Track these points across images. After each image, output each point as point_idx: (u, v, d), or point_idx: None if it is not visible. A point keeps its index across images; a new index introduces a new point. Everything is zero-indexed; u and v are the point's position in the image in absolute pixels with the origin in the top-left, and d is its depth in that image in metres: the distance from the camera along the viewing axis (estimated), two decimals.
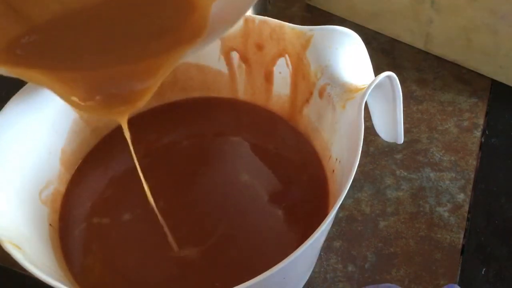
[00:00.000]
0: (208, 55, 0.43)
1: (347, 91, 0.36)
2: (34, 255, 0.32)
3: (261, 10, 0.55)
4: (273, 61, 0.42)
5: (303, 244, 0.28)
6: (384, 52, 0.53)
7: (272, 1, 0.58)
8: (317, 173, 0.40)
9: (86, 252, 0.37)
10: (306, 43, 0.39)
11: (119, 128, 0.45)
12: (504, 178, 0.44)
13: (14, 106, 0.36)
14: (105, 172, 0.42)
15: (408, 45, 0.54)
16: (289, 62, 0.41)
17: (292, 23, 0.39)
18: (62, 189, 0.40)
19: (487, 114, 0.48)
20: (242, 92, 0.45)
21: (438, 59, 0.52)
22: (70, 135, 0.41)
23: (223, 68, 0.44)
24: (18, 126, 0.37)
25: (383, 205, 0.42)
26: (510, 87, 0.49)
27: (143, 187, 0.41)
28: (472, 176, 0.44)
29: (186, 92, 0.46)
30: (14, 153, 0.36)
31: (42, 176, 0.38)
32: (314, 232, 0.29)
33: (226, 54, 0.43)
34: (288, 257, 0.28)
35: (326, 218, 0.30)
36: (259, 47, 0.42)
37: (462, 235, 0.41)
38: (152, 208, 0.39)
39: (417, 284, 0.38)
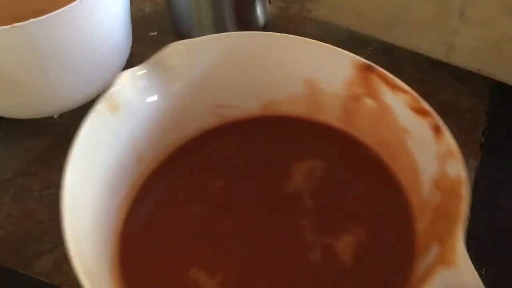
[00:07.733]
0: None
1: None
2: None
3: (261, 10, 0.55)
4: None
5: None
6: (384, 52, 0.53)
7: (272, 1, 0.58)
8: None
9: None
10: None
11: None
12: (504, 178, 0.44)
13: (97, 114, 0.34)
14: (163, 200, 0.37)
15: None
16: None
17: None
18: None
19: (487, 114, 0.48)
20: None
21: None
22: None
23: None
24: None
25: None
26: (510, 87, 0.49)
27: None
28: (472, 176, 0.44)
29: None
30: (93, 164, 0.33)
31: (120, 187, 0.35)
32: None
33: None
34: None
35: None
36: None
37: None
38: None
39: None
